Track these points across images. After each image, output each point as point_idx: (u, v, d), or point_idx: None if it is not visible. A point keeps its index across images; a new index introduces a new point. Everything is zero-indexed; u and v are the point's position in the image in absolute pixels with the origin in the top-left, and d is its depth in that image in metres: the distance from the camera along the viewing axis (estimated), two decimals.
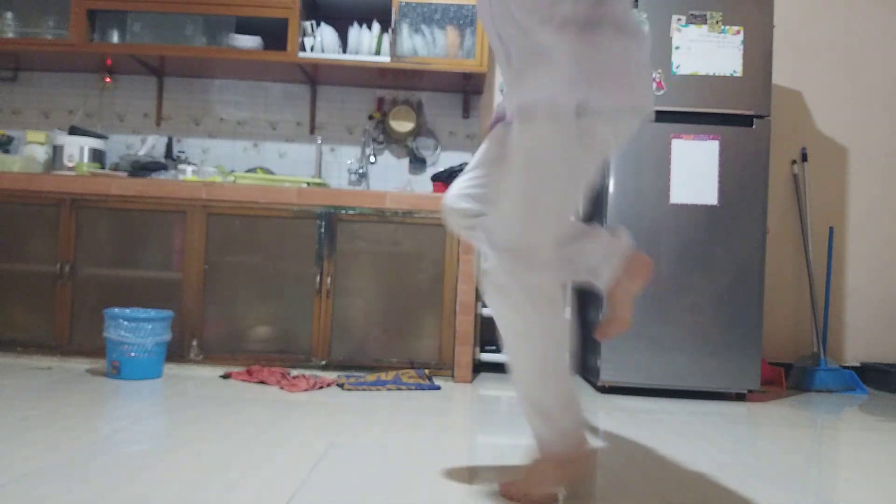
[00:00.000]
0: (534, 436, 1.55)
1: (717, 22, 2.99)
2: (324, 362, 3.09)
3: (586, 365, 3.29)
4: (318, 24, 3.47)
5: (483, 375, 3.32)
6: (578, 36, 1.37)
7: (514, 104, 1.46)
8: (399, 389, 2.79)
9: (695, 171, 2.98)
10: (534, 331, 1.47)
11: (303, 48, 3.41)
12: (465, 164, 3.26)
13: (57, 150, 3.43)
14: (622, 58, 1.41)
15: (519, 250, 1.44)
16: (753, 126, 2.99)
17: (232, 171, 3.65)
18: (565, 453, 1.51)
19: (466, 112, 3.78)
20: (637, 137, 2.96)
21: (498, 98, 3.74)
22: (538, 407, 1.50)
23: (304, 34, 3.45)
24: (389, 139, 3.78)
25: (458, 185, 1.70)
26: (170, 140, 3.69)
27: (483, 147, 1.71)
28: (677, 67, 2.99)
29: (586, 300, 3.36)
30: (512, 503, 1.52)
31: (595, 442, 2.13)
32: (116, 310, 2.80)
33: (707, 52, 2.99)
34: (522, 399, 1.53)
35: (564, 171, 1.44)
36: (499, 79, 3.76)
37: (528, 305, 1.45)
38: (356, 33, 3.45)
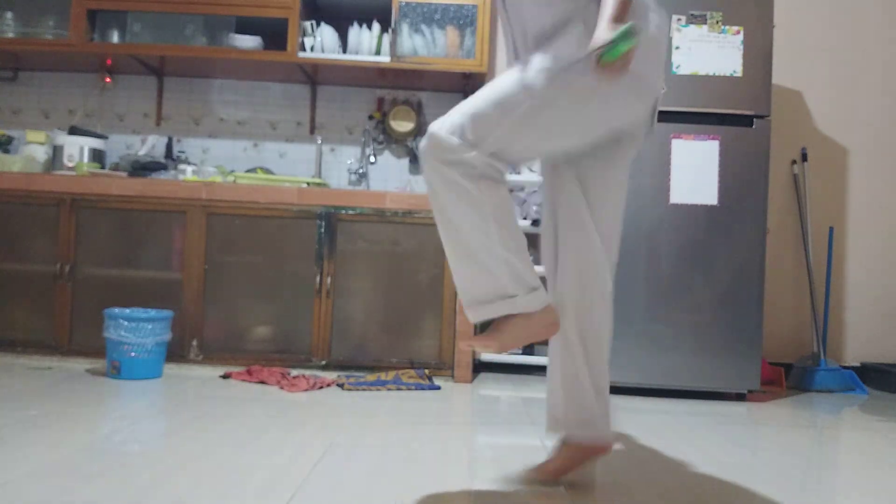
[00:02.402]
0: None
1: (717, 22, 2.99)
2: (324, 362, 3.09)
3: None
4: (318, 24, 3.47)
5: (483, 375, 3.32)
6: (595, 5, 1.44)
7: (533, 60, 1.51)
8: (399, 389, 2.79)
9: (695, 171, 2.97)
10: (455, 216, 1.50)
11: (303, 48, 3.41)
12: None
13: (57, 150, 3.43)
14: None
15: (438, 139, 1.48)
16: (753, 126, 2.99)
17: (232, 171, 3.65)
18: (527, 311, 1.54)
19: None
20: None
21: None
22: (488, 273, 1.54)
23: (304, 34, 3.44)
24: (389, 139, 3.78)
25: None
26: (170, 140, 3.69)
27: None
28: (677, 67, 2.99)
29: None
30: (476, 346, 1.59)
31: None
32: (116, 310, 2.80)
33: (707, 52, 2.99)
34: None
35: (527, 103, 1.48)
36: None
37: (446, 194, 1.49)
38: (356, 33, 3.45)
